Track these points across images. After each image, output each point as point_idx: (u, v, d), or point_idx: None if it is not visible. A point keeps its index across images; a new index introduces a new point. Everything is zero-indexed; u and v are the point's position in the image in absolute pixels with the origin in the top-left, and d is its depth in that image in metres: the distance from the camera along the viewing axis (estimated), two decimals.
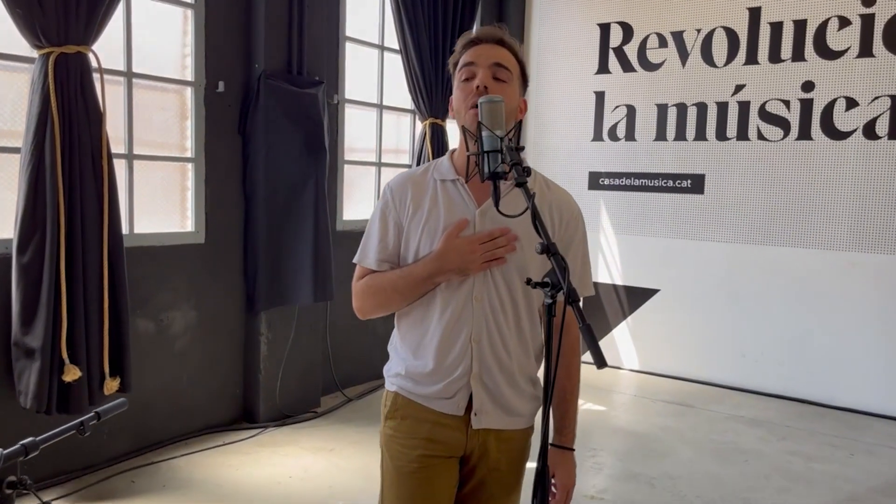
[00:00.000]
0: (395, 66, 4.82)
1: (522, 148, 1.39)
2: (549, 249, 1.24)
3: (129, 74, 3.34)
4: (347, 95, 4.51)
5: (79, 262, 2.94)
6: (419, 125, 4.94)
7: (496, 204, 1.37)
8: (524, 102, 1.66)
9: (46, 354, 2.86)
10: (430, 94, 4.83)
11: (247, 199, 3.85)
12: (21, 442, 1.04)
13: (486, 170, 1.37)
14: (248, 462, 3.48)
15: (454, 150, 1.67)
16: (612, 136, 5.52)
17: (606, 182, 5.57)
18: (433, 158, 4.93)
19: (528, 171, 1.38)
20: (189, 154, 3.63)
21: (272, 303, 3.87)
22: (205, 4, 3.59)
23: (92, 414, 1.13)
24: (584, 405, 4.59)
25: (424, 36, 4.71)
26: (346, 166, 4.55)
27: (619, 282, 5.54)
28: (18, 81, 2.92)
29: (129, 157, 3.38)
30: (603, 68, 5.52)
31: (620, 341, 5.57)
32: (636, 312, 5.49)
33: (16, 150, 2.90)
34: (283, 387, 4.00)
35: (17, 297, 2.84)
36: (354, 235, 4.45)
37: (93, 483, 3.16)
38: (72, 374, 2.92)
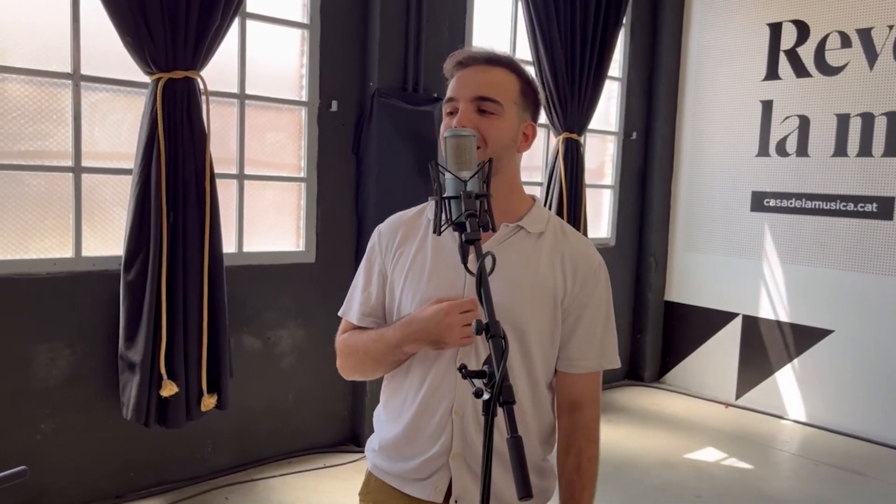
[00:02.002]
0: None
1: (485, 195, 1.11)
2: (486, 329, 0.95)
3: (241, 97, 3.41)
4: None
5: (179, 281, 3.02)
6: (553, 140, 4.64)
7: (463, 261, 1.10)
8: (531, 128, 1.36)
9: (146, 369, 2.96)
10: (565, 107, 4.52)
11: (358, 220, 3.80)
12: None
13: (443, 219, 1.11)
14: (343, 489, 3.40)
15: None
16: (781, 150, 4.83)
17: (772, 203, 4.89)
18: (565, 175, 4.64)
19: (485, 225, 1.09)
20: (302, 174, 3.64)
21: None
22: (320, 24, 3.59)
23: None
24: (727, 459, 4.02)
25: (559, 47, 4.41)
26: None
27: (784, 318, 4.83)
28: (137, 105, 3.06)
29: (240, 177, 3.45)
30: (772, 73, 4.86)
31: (784, 386, 4.85)
32: (804, 355, 4.75)
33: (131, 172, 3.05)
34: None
35: (123, 313, 2.97)
36: None
37: (190, 496, 3.24)
38: (169, 389, 3.00)
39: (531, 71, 4.35)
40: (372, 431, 1.34)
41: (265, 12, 3.45)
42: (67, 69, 2.91)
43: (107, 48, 2.93)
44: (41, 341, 2.92)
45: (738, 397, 5.06)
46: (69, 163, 2.96)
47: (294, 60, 3.59)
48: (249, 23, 3.40)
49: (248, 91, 3.42)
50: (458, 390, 1.31)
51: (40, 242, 2.94)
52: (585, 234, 4.71)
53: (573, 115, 4.56)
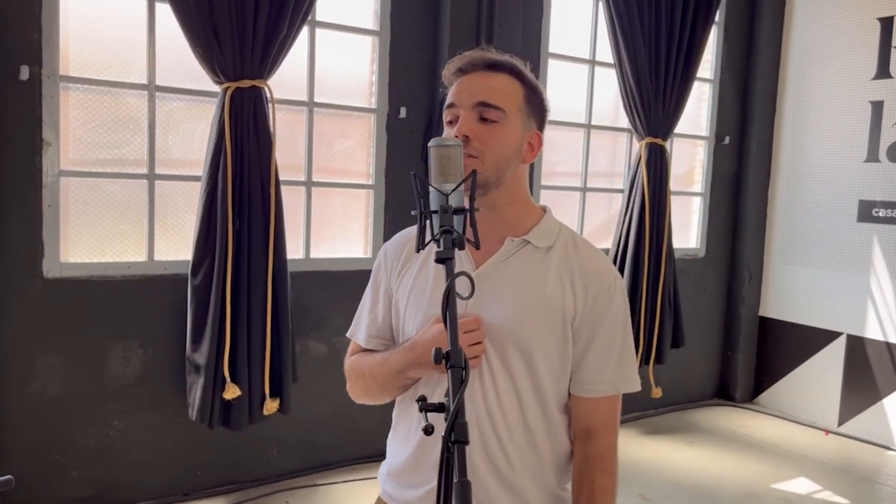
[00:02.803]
0: (607, 81, 4.39)
1: (466, 210, 1.02)
2: (446, 358, 0.86)
3: (310, 104, 3.44)
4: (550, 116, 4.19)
5: (244, 286, 3.07)
6: (635, 145, 4.44)
7: (451, 274, 1.02)
8: (536, 137, 1.26)
9: (210, 371, 3.03)
10: (648, 110, 4.31)
11: None
12: None
13: (427, 235, 1.03)
14: None
15: None
16: (893, 156, 4.41)
17: (882, 214, 4.47)
18: (648, 182, 4.42)
19: (456, 242, 1.00)
20: (370, 181, 3.64)
21: None
22: (390, 31, 3.58)
23: None
24: (821, 492, 3.69)
25: (643, 47, 4.20)
26: (542, 192, 4.24)
27: (894, 340, 4.40)
28: (208, 114, 3.15)
29: (308, 183, 3.49)
30: (883, 72, 4.45)
31: (892, 414, 4.41)
32: None
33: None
34: None
35: (189, 316, 3.06)
36: None
37: (253, 497, 3.29)
38: (232, 392, 3.06)
39: (615, 74, 4.21)
40: None
41: (336, 20, 3.48)
42: (144, 80, 3.03)
43: (180, 60, 3.02)
44: (116, 341, 3.05)
45: (840, 424, 4.65)
46: (144, 170, 3.08)
47: (363, 67, 3.59)
48: (319, 31, 3.43)
49: (317, 99, 3.46)
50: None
51: (116, 246, 3.07)
52: (670, 244, 4.48)
53: (657, 118, 4.34)
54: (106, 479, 3.07)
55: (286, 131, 3.37)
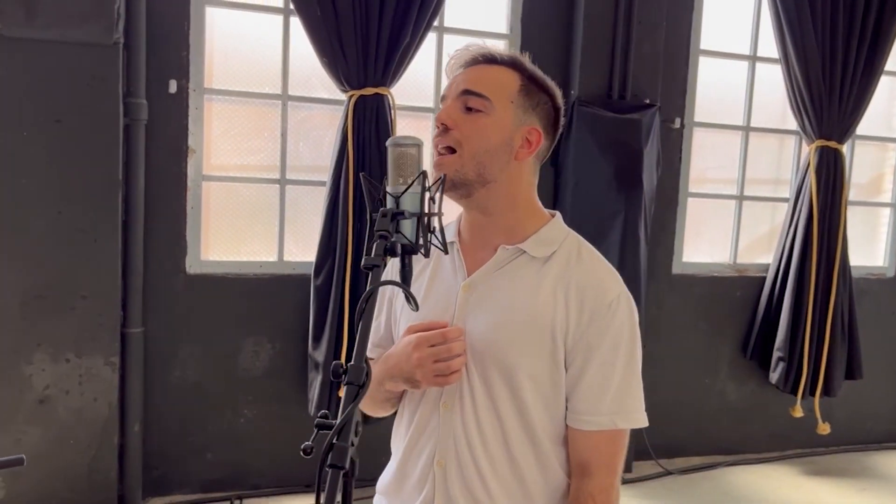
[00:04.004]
0: (772, 79, 3.96)
1: (416, 214, 0.93)
2: (344, 372, 0.79)
3: (436, 110, 3.46)
4: (699, 118, 3.88)
5: (363, 288, 3.15)
6: (805, 149, 3.97)
7: (406, 284, 0.95)
8: (535, 133, 1.14)
9: (328, 369, 3.15)
10: (819, 110, 3.83)
11: None
12: None
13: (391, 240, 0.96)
14: None
15: None
16: None
17: None
18: (817, 191, 3.91)
19: (389, 249, 0.91)
20: None
21: None
22: (520, 33, 3.50)
23: None
24: None
25: (813, 40, 3.74)
26: (690, 200, 3.92)
27: None
28: (336, 122, 3.27)
29: None
30: None
31: None
32: None
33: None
34: None
35: (312, 315, 3.19)
36: (696, 281, 3.83)
37: (368, 496, 3.35)
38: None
39: (781, 70, 3.77)
40: None
41: (467, 25, 3.46)
42: (278, 91, 3.22)
43: (310, 70, 3.17)
44: (247, 335, 3.26)
45: None
46: (276, 175, 3.27)
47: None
48: (447, 37, 3.44)
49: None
50: (440, 437, 1.14)
51: (250, 246, 3.28)
52: (845, 260, 3.94)
53: (831, 119, 3.84)
54: (236, 464, 3.29)
55: None
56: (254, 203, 3.28)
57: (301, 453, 0.75)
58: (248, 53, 3.19)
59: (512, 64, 1.19)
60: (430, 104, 3.45)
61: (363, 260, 0.90)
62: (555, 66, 3.55)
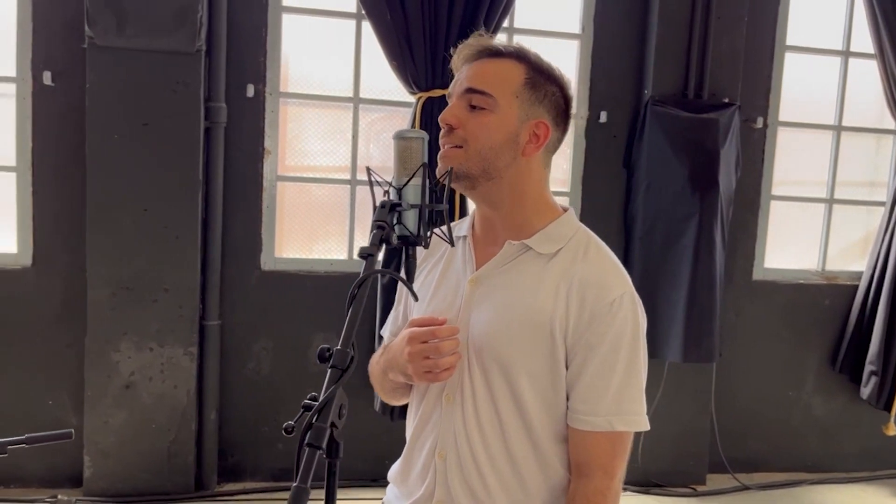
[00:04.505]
0: (865, 76, 3.73)
1: (418, 206, 0.94)
2: (330, 355, 0.81)
3: None
4: (784, 117, 3.70)
5: None
6: None
7: (411, 280, 0.97)
8: (543, 127, 1.12)
9: None
10: None
11: (626, 236, 3.55)
12: None
13: (396, 231, 0.98)
14: None
15: None
16: None
17: None
18: None
19: (385, 239, 0.92)
20: (566, 188, 3.55)
21: None
22: (592, 33, 3.45)
23: (23, 437, 1.23)
24: None
25: None
26: (773, 203, 3.74)
27: None
28: (405, 124, 3.33)
29: None
30: None
31: None
32: None
33: None
34: (648, 449, 3.54)
35: (378, 312, 3.26)
36: (780, 288, 3.66)
37: None
38: None
39: (878, 67, 3.54)
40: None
41: (538, 26, 3.45)
42: (349, 93, 3.31)
43: (380, 73, 3.24)
44: (317, 331, 3.36)
45: None
46: (347, 176, 3.36)
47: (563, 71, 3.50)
48: (517, 38, 3.43)
49: None
50: (441, 430, 1.15)
51: (321, 245, 3.39)
52: None
53: None
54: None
55: None
56: (326, 203, 3.38)
57: (283, 432, 0.78)
58: (321, 57, 3.30)
59: (516, 56, 1.18)
60: None
61: (359, 248, 0.92)
62: (628, 66, 3.48)
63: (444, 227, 1.04)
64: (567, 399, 1.14)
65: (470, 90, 1.15)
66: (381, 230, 0.93)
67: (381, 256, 1.28)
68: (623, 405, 1.11)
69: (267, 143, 3.25)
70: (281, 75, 3.23)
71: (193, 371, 3.15)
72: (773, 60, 3.63)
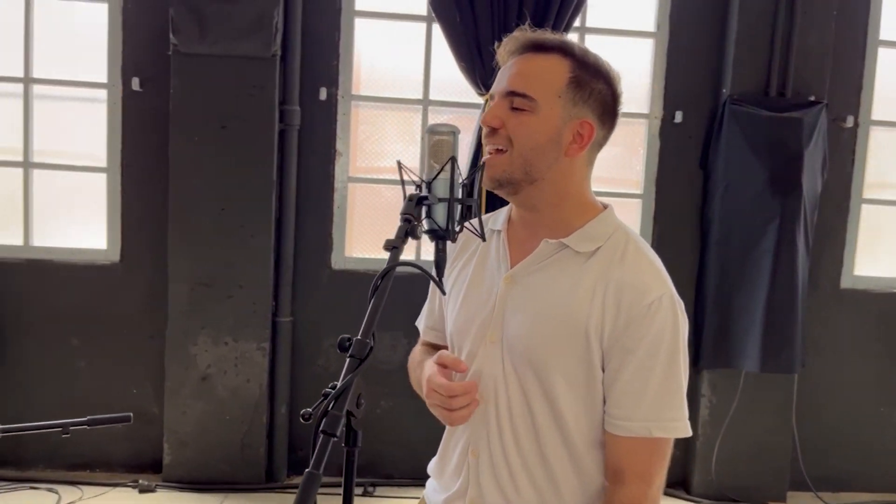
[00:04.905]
0: None
1: (447, 199, 0.93)
2: (350, 345, 0.82)
3: None
4: (878, 116, 3.48)
5: None
6: None
7: (440, 275, 0.97)
8: (587, 127, 1.09)
9: None
10: None
11: (702, 239, 3.43)
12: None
13: (425, 225, 0.99)
14: None
15: None
16: None
17: None
18: None
19: (410, 232, 0.92)
20: (639, 190, 3.46)
21: (716, 362, 3.34)
22: (668, 31, 3.35)
23: (85, 419, 1.29)
24: None
25: None
26: (864, 206, 3.53)
27: None
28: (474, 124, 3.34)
29: None
30: None
31: None
32: None
33: None
34: (723, 461, 3.40)
35: None
36: (871, 297, 3.46)
37: None
38: None
39: None
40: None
41: (610, 25, 3.39)
42: (419, 96, 3.34)
43: (450, 75, 3.26)
44: (385, 329, 3.40)
45: None
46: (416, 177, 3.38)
47: (634, 71, 3.42)
48: (589, 38, 3.38)
49: None
50: (474, 428, 1.14)
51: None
52: None
53: None
54: (371, 453, 3.44)
55: None
56: (395, 204, 3.42)
57: (301, 419, 0.79)
58: (391, 60, 3.35)
59: (561, 50, 1.14)
60: None
61: (385, 241, 0.93)
62: (705, 63, 3.37)
63: (476, 222, 1.04)
64: (604, 403, 1.11)
65: (512, 93, 1.13)
66: (408, 223, 0.94)
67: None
68: (661, 411, 1.07)
69: (338, 145, 3.32)
70: (353, 78, 3.30)
71: (265, 366, 3.25)
72: (864, 56, 3.43)
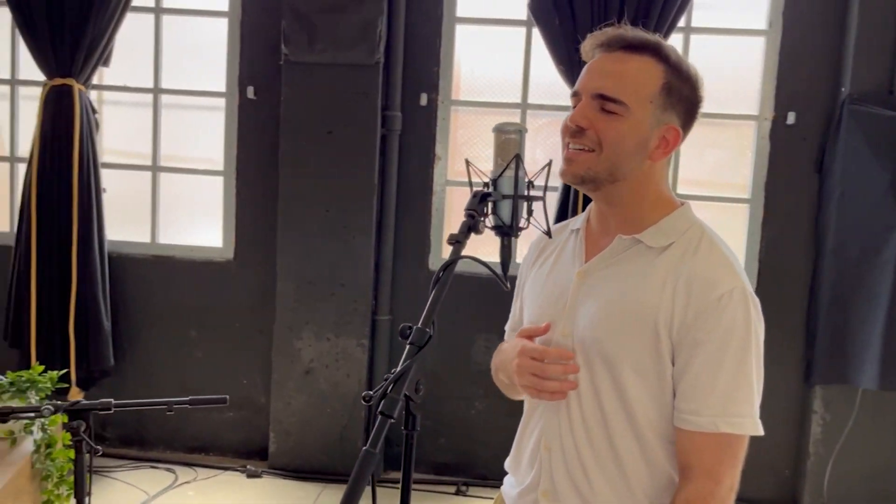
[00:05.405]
0: None
1: (512, 196, 0.95)
2: (410, 333, 0.86)
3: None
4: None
5: None
6: None
7: (504, 270, 1.01)
8: (673, 132, 1.08)
9: None
10: None
11: (817, 246, 3.24)
12: (103, 399, 1.36)
13: (490, 221, 1.02)
14: None
15: None
16: None
17: None
18: None
19: (474, 227, 0.94)
20: (746, 194, 3.32)
21: (830, 377, 3.15)
22: (781, 28, 3.20)
23: (187, 398, 1.40)
24: None
25: None
26: None
27: None
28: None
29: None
30: None
31: None
32: None
33: None
34: (836, 483, 3.20)
35: None
36: None
37: None
38: None
39: None
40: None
41: (716, 24, 3.28)
42: (517, 100, 3.36)
43: (548, 79, 3.27)
44: (479, 331, 3.45)
45: None
46: None
47: (743, 70, 3.29)
48: (695, 38, 3.28)
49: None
50: (546, 422, 1.16)
51: (486, 248, 3.43)
52: None
53: None
54: (465, 452, 3.49)
55: None
56: None
57: (362, 401, 0.84)
58: (490, 65, 3.39)
59: (655, 53, 1.12)
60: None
61: (448, 235, 0.97)
62: (821, 62, 3.20)
63: (541, 218, 1.06)
64: (674, 397, 1.11)
65: (602, 96, 1.12)
66: (471, 218, 0.97)
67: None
68: (729, 406, 1.05)
69: (437, 149, 3.40)
70: (452, 83, 3.36)
71: (365, 362, 3.37)
72: None
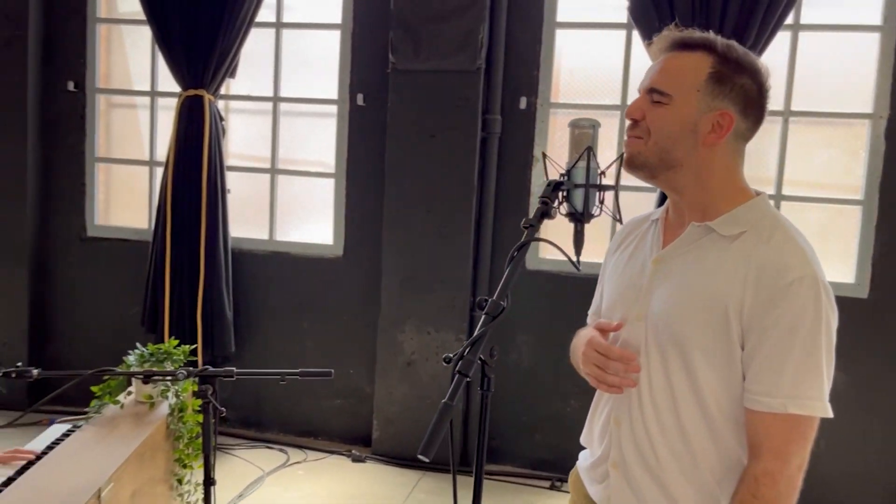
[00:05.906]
0: None
1: (583, 185, 1.04)
2: (484, 305, 0.97)
3: (786, 113, 3.24)
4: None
5: None
6: None
7: (577, 254, 1.10)
8: (727, 117, 1.13)
9: None
10: None
11: None
12: (227, 367, 1.53)
13: (563, 209, 1.12)
14: None
15: None
16: None
17: None
18: None
19: (547, 214, 1.04)
20: (859, 195, 3.20)
21: None
22: None
23: (297, 371, 1.56)
24: None
25: None
26: None
27: None
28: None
29: (778, 197, 3.28)
30: None
31: None
32: None
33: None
34: None
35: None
36: None
37: None
38: None
39: None
40: None
41: (827, 20, 3.19)
42: (617, 102, 3.40)
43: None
44: (575, 330, 3.49)
45: None
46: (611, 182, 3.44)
47: (854, 67, 3.18)
48: (804, 34, 3.20)
49: (794, 107, 3.23)
50: (616, 399, 1.23)
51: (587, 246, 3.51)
52: None
53: None
54: (560, 449, 3.54)
55: (754, 143, 3.26)
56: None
57: (443, 362, 0.96)
58: (589, 69, 3.44)
59: (705, 47, 1.20)
60: (780, 106, 3.25)
61: (523, 220, 1.07)
62: None
63: (612, 205, 1.14)
64: (744, 380, 1.15)
65: (651, 90, 1.22)
66: (545, 205, 1.07)
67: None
68: (800, 388, 1.09)
69: (536, 152, 3.48)
70: (552, 87, 3.44)
71: None
72: None
